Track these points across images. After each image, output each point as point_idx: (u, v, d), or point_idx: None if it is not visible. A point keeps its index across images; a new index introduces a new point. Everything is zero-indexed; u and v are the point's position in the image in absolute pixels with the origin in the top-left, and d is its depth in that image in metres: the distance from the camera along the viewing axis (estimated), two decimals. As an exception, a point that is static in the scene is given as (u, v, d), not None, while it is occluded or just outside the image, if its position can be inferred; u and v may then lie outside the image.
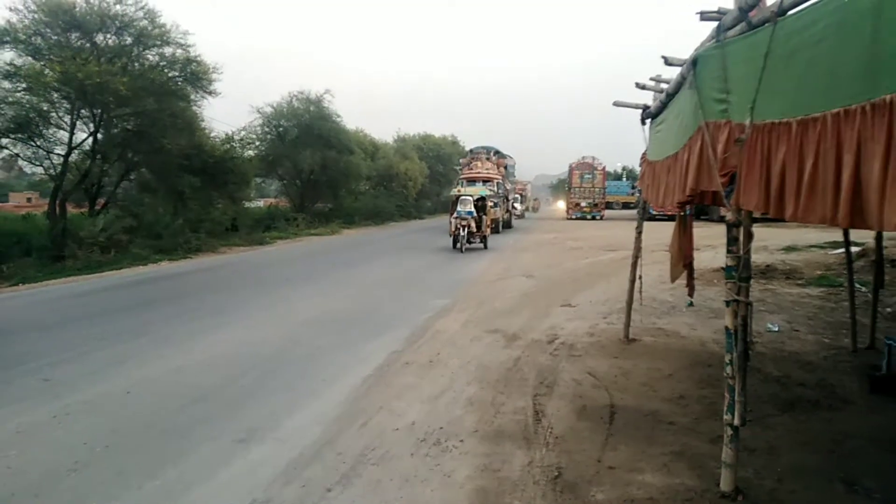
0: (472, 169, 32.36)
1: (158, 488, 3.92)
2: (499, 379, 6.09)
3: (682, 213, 5.99)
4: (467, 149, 38.81)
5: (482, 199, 22.65)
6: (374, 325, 8.72)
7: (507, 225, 33.70)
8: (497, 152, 35.11)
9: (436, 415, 5.15)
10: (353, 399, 5.60)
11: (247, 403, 5.48)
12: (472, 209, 20.51)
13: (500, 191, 30.59)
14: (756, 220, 3.77)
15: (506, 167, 34.30)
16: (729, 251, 3.62)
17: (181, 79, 19.65)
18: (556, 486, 3.87)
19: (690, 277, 6.21)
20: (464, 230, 19.81)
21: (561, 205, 65.78)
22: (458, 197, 21.94)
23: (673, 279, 6.37)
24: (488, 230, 22.22)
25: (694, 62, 3.93)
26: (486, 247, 21.20)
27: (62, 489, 3.93)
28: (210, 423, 5.02)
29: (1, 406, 5.41)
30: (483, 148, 35.55)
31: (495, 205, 27.48)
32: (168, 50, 19.11)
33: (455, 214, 20.40)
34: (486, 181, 29.92)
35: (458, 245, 19.67)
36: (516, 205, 44.04)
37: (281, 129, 32.79)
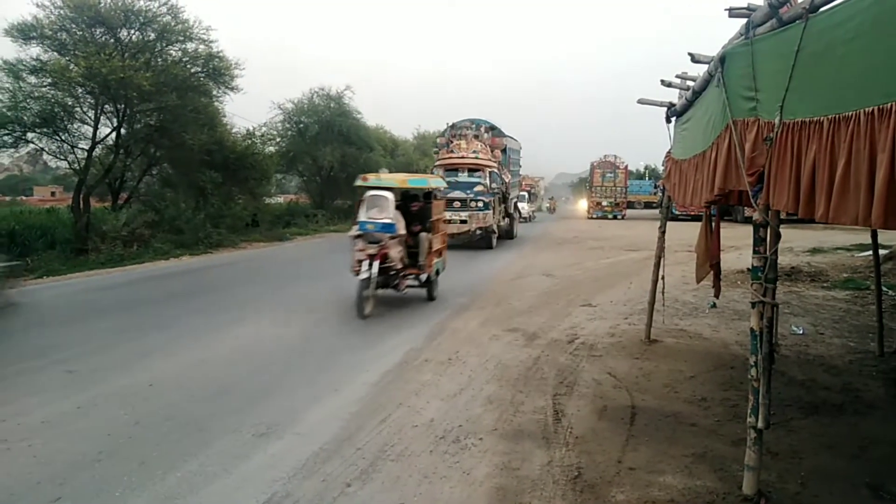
0: (451, 152, 21.11)
1: (180, 479, 3.96)
2: (518, 378, 6.07)
3: (709, 213, 5.91)
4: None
5: (426, 196, 10.85)
6: (392, 321, 8.73)
7: (508, 234, 23.69)
8: (492, 128, 22.89)
9: (455, 412, 5.15)
10: (372, 395, 5.61)
11: (267, 398, 5.51)
12: (393, 219, 9.31)
13: (494, 184, 20.55)
14: (782, 221, 3.71)
15: (505, 150, 23.04)
16: (755, 252, 3.57)
17: (203, 74, 19.77)
18: (576, 485, 3.85)
19: (717, 278, 6.14)
20: (370, 266, 9.11)
21: (583, 204, 56.25)
22: (365, 193, 9.70)
23: (699, 280, 6.29)
24: (432, 263, 10.26)
25: (722, 59, 3.87)
26: (430, 296, 10.64)
27: (86, 479, 3.97)
28: (231, 416, 5.05)
29: (27, 396, 5.49)
30: (470, 122, 22.69)
31: (485, 206, 19.42)
32: (190, 45, 19.23)
33: (355, 230, 9.44)
34: (473, 170, 20.28)
35: (362, 301, 8.91)
36: (523, 205, 36.26)
37: (301, 125, 32.92)
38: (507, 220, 23.45)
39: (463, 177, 20.01)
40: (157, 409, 5.25)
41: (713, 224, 5.86)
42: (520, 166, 28.81)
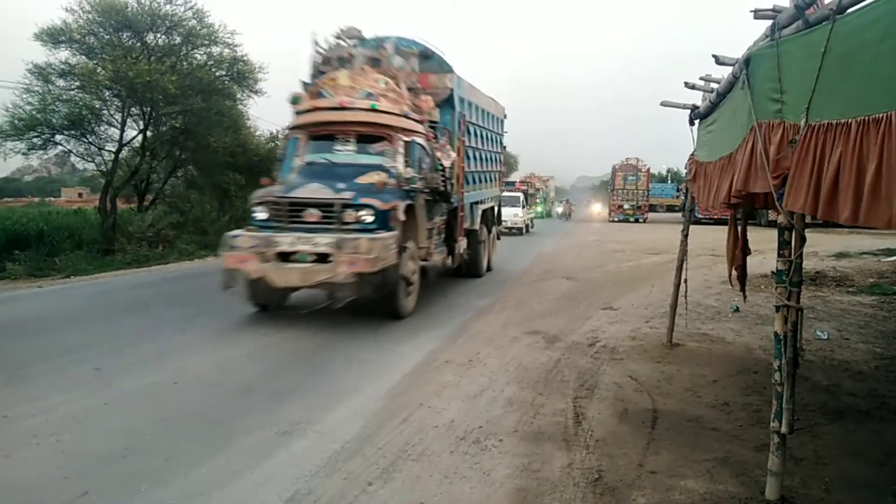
0: (317, 97, 9.52)
1: (204, 476, 4.01)
2: (538, 380, 6.06)
3: (734, 216, 5.88)
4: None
5: None
6: (413, 323, 8.77)
7: (472, 268, 13.24)
8: (425, 56, 11.02)
9: (475, 413, 5.16)
10: (393, 395, 5.64)
11: (290, 397, 5.57)
12: None
13: (413, 171, 9.31)
14: (807, 225, 3.68)
15: (450, 103, 11.20)
16: (780, 255, 3.54)
17: (228, 78, 19.99)
18: (596, 488, 3.84)
19: (743, 281, 6.10)
20: None
21: (597, 207, 55.88)
22: None
23: (731, 282, 6.28)
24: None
25: (747, 61, 3.85)
26: None
27: (113, 474, 4.05)
28: (254, 414, 5.11)
29: (56, 393, 5.59)
30: (374, 41, 10.65)
31: (381, 220, 8.22)
32: (216, 49, 19.45)
33: None
34: (367, 139, 9.32)
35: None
36: (514, 210, 27.64)
37: (323, 128, 33.09)
38: (461, 242, 11.84)
39: (344, 152, 9.31)
40: (181, 406, 5.33)
41: (738, 227, 5.83)
42: (502, 147, 16.54)
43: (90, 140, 17.78)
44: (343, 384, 5.94)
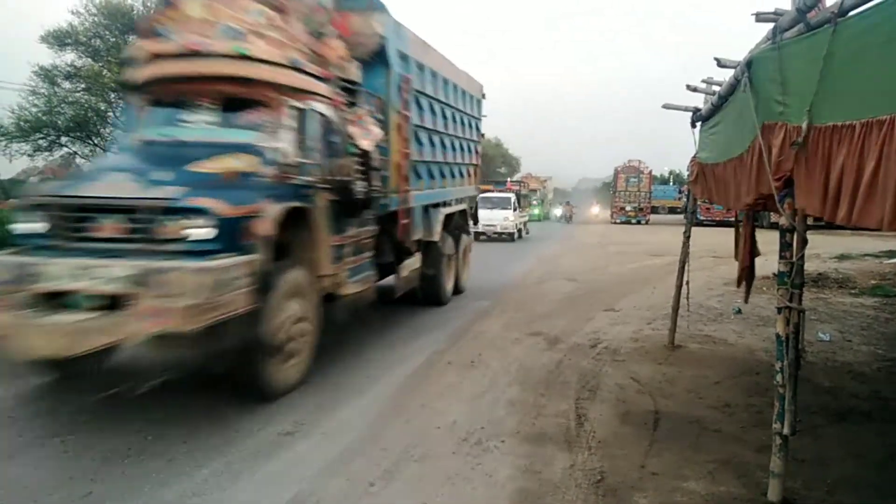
0: (153, 38, 5.77)
1: (207, 476, 4.03)
2: (540, 381, 6.07)
3: (737, 218, 5.89)
4: None
5: None
6: (415, 324, 8.79)
7: (429, 291, 9.74)
8: None
9: (477, 415, 5.16)
10: (395, 397, 5.66)
11: (292, 398, 5.56)
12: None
13: (319, 144, 6.14)
14: (809, 227, 3.69)
15: (383, 60, 7.52)
16: (782, 257, 3.55)
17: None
18: (599, 489, 3.85)
19: (748, 283, 6.10)
20: None
21: (595, 210, 54.57)
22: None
23: (739, 283, 6.26)
24: None
25: (749, 64, 3.86)
26: None
27: (117, 474, 4.06)
28: (257, 415, 5.11)
29: (58, 393, 5.60)
30: None
31: (221, 233, 4.72)
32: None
33: None
34: (243, 105, 5.84)
35: None
36: (504, 213, 24.89)
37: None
38: (416, 260, 9.15)
39: (195, 125, 5.86)
40: (183, 406, 5.33)
41: (742, 229, 5.83)
42: (478, 134, 12.90)
43: (95, 142, 17.85)
44: (345, 385, 5.95)
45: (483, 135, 13.59)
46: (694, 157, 6.52)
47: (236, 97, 5.90)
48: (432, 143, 9.69)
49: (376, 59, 7.60)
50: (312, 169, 6.04)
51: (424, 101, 9.18)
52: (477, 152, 12.74)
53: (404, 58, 8.26)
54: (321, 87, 6.42)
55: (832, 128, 2.89)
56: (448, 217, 10.30)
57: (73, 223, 4.93)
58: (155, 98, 6.05)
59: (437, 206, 9.95)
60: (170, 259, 4.62)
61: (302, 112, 6.08)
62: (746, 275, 6.03)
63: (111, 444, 4.53)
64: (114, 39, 17.61)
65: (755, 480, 3.88)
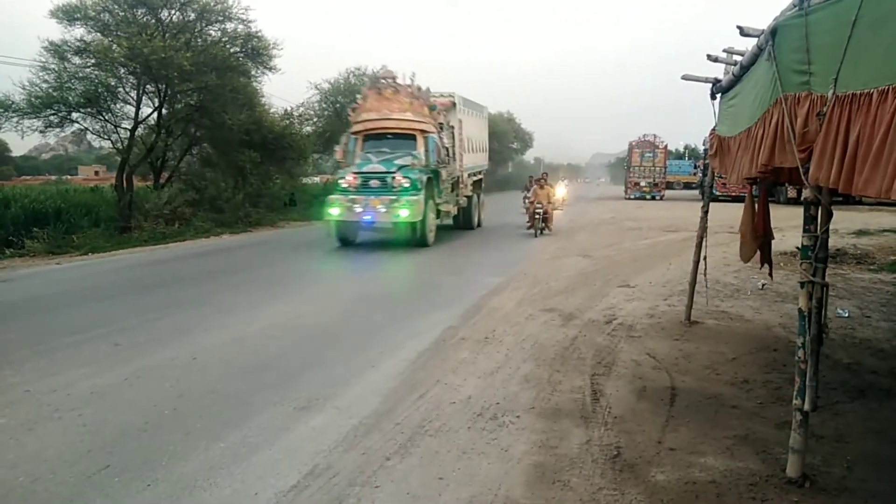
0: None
1: (224, 450, 4.05)
2: (555, 357, 6.04)
3: (751, 192, 5.76)
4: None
5: None
6: (429, 300, 8.77)
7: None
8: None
9: (492, 390, 5.15)
10: (409, 372, 5.65)
11: (307, 373, 5.59)
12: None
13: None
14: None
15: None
16: (805, 230, 3.47)
17: (242, 54, 19.92)
18: (615, 465, 3.83)
19: (768, 258, 5.98)
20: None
21: (560, 191, 44.29)
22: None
23: (745, 259, 6.14)
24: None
25: (773, 32, 3.74)
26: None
27: (134, 448, 4.09)
28: (272, 390, 5.14)
29: (76, 368, 5.66)
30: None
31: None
32: (230, 25, 19.37)
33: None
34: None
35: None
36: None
37: (338, 105, 32.95)
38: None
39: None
40: (199, 382, 5.37)
41: (757, 202, 5.70)
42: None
43: (106, 118, 17.83)
44: (359, 360, 5.95)
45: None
46: (713, 130, 6.39)
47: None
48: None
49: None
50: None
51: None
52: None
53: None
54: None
55: (851, 96, 2.80)
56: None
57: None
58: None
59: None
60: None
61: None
62: (766, 253, 5.92)
63: (128, 417, 4.57)
64: (123, 14, 17.51)
65: (774, 456, 3.85)
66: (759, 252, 5.91)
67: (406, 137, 15.01)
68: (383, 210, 13.65)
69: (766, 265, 6.21)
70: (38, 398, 4.93)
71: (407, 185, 13.85)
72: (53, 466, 3.82)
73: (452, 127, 16.98)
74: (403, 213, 13.63)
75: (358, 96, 16.57)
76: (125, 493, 3.51)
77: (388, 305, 8.38)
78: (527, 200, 18.20)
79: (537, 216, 17.09)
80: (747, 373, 5.52)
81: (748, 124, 4.32)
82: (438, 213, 15.68)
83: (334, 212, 13.90)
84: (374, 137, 15.23)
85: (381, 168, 14.15)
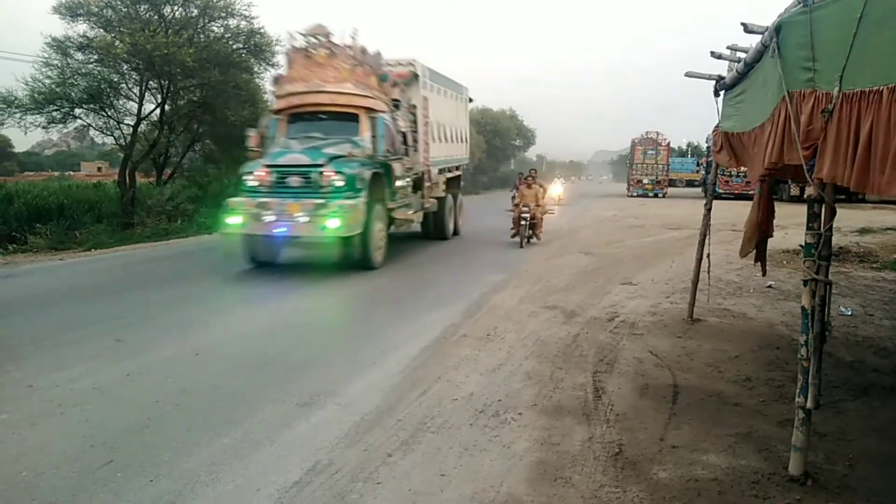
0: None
1: (226, 446, 4.05)
2: (557, 354, 6.04)
3: (762, 187, 5.74)
4: None
5: None
6: (430, 297, 8.78)
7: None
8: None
9: (494, 387, 5.15)
10: (411, 369, 5.65)
11: (308, 369, 5.60)
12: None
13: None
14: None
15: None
16: (809, 228, 3.46)
17: (245, 51, 19.87)
18: (617, 462, 3.83)
19: (762, 256, 5.96)
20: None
21: (555, 189, 30.98)
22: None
23: (742, 255, 6.11)
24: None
25: (777, 29, 3.73)
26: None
27: (136, 443, 4.10)
28: (274, 386, 5.14)
29: (78, 364, 5.66)
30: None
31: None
32: (233, 22, 19.30)
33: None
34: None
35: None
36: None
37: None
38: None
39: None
40: (202, 378, 5.38)
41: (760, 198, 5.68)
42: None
43: (109, 114, 17.81)
44: (361, 357, 5.96)
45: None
46: (716, 127, 6.37)
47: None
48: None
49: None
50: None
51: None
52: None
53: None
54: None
55: (860, 94, 2.79)
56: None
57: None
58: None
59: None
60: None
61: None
62: (760, 250, 5.89)
63: (130, 413, 4.58)
64: (126, 9, 17.47)
65: (776, 454, 3.84)
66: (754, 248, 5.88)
67: (345, 118, 10.99)
68: (304, 219, 9.58)
69: (759, 263, 6.18)
70: (40, 393, 4.94)
71: (340, 183, 9.85)
72: (56, 461, 3.83)
73: (414, 106, 13.22)
74: (333, 224, 9.46)
75: (280, 62, 12.31)
76: (128, 489, 3.51)
77: (390, 302, 8.35)
78: (513, 202, 15.37)
79: (523, 222, 14.21)
80: (749, 371, 5.52)
81: (762, 120, 4.29)
82: (392, 222, 11.76)
83: (234, 221, 9.88)
84: (303, 118, 11.21)
85: (305, 159, 10.12)
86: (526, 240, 14.35)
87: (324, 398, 4.88)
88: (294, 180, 10.04)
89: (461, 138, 17.89)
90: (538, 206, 14.65)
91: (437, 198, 14.65)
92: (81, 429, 4.31)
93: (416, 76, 13.50)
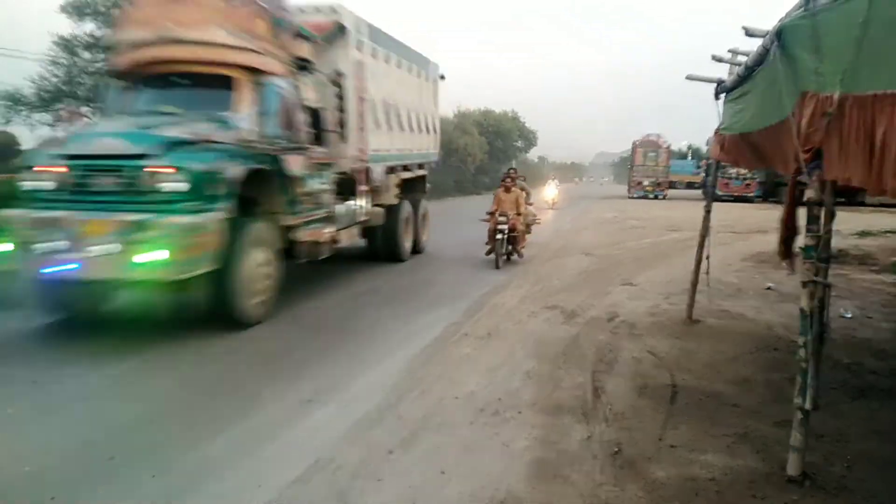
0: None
1: (228, 442, 4.09)
2: (557, 354, 6.07)
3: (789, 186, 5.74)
4: None
5: None
6: (431, 297, 8.81)
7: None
8: None
9: (494, 386, 5.18)
10: (412, 367, 5.68)
11: (311, 367, 5.63)
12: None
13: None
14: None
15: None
16: (808, 230, 3.49)
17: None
18: (616, 461, 3.86)
19: (789, 252, 5.95)
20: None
21: (550, 191, 31.18)
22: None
23: (780, 256, 6.10)
24: None
25: (779, 33, 3.76)
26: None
27: (139, 439, 4.14)
28: (276, 383, 5.18)
29: (83, 358, 5.69)
30: None
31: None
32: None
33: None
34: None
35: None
36: None
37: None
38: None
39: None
40: (205, 374, 5.42)
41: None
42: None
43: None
44: (362, 356, 5.99)
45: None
46: (717, 129, 6.39)
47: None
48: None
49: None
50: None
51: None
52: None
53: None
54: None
55: (873, 96, 2.81)
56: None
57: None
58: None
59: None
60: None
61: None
62: (787, 248, 5.87)
63: (133, 408, 4.62)
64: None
65: (774, 455, 3.87)
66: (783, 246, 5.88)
67: (213, 83, 7.07)
68: (108, 248, 5.63)
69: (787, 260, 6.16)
70: (44, 388, 4.97)
71: (180, 185, 5.90)
72: (60, 457, 3.86)
73: (341, 74, 9.21)
74: (151, 257, 5.64)
75: None
76: (131, 484, 3.55)
77: (391, 301, 8.36)
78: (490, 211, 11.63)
79: (499, 236, 11.08)
80: (748, 371, 5.55)
81: (769, 122, 4.28)
82: (292, 248, 7.78)
83: (2, 248, 5.95)
84: (154, 83, 7.26)
85: (120, 145, 6.02)
86: (504, 257, 11.40)
87: (325, 396, 4.93)
88: (102, 181, 6.04)
89: (426, 127, 13.76)
90: (519, 214, 11.50)
91: (385, 206, 10.87)
92: (83, 424, 4.37)
93: (342, 29, 9.23)
